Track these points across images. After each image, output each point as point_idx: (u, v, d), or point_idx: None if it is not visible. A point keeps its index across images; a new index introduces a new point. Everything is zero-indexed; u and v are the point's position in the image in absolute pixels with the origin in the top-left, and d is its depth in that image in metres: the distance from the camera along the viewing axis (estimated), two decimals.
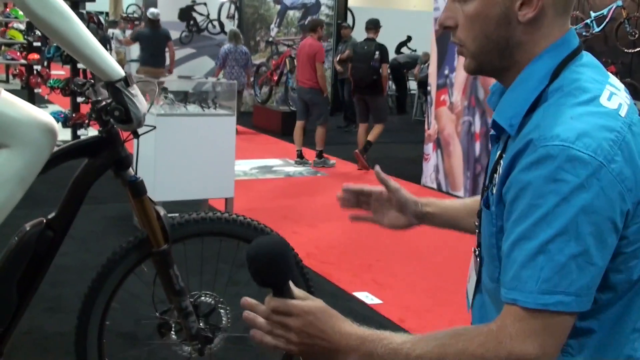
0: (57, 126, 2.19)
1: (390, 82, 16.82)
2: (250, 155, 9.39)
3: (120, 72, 2.13)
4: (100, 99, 2.23)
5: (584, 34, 12.61)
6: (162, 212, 2.41)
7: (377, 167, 1.63)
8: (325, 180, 8.23)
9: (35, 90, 12.71)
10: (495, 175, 1.25)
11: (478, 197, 1.52)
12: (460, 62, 7.54)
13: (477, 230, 1.35)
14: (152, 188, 5.45)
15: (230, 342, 2.69)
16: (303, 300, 1.22)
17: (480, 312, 1.38)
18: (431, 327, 3.99)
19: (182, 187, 5.57)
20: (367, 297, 4.49)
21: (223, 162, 5.74)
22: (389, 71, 15.53)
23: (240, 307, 1.25)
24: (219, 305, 2.58)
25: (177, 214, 2.55)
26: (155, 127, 2.43)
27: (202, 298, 2.55)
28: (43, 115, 2.17)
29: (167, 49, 11.41)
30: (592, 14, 12.50)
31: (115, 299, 2.49)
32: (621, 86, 1.25)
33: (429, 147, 8.07)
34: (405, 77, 15.43)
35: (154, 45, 11.00)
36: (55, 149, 2.26)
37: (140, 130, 2.34)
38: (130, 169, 2.35)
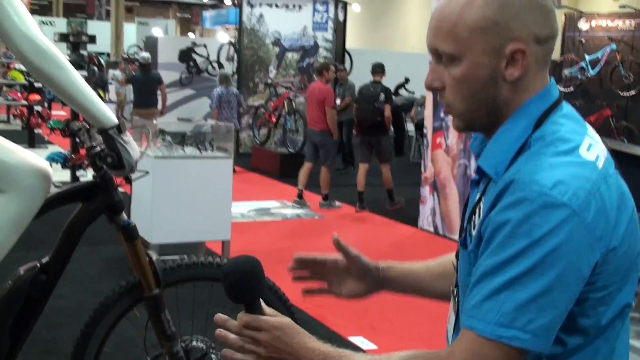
0: (51, 171, 2.22)
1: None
2: (247, 197, 9.42)
3: (113, 119, 2.17)
4: (94, 144, 2.26)
5: (579, 77, 12.79)
6: (154, 256, 2.43)
7: (335, 235, 1.58)
8: (322, 222, 8.25)
9: (36, 131, 12.81)
10: (473, 216, 1.30)
11: (442, 259, 1.61)
12: None
13: (455, 271, 1.39)
14: (149, 230, 5.48)
15: None
16: (272, 316, 1.32)
17: None
18: None
19: (179, 229, 5.58)
20: (362, 342, 4.48)
21: (220, 205, 5.76)
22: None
23: (215, 321, 1.33)
24: (211, 350, 2.58)
25: (170, 258, 2.57)
26: (148, 173, 2.46)
27: (194, 343, 2.55)
28: (37, 160, 2.20)
29: (159, 91, 11.89)
30: (587, 57, 12.69)
31: (108, 344, 2.49)
32: (599, 138, 1.29)
33: (425, 190, 8.10)
34: (403, 119, 15.54)
35: (145, 87, 11.54)
36: (54, 190, 2.29)
37: (133, 176, 2.37)
38: (124, 213, 2.37)
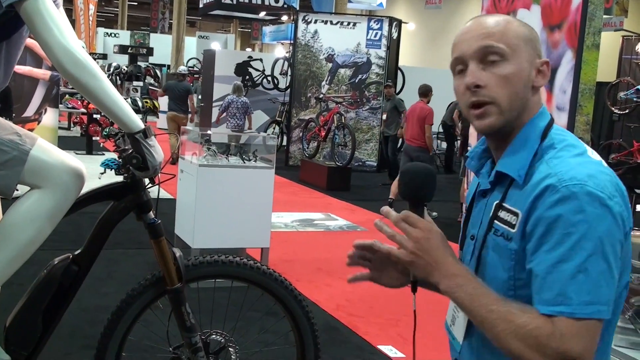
0: (85, 171, 2.42)
1: (439, 142, 16.99)
2: (293, 208, 9.59)
3: (140, 124, 2.35)
4: (127, 147, 2.45)
5: (634, 99, 12.63)
6: (177, 253, 2.60)
7: (379, 221, 1.60)
8: (363, 235, 8.35)
9: (94, 138, 13.24)
10: (495, 221, 1.50)
11: None
12: None
13: (476, 272, 1.53)
14: (191, 235, 5.69)
15: None
16: (430, 221, 1.47)
17: (471, 356, 1.57)
18: None
19: (220, 235, 5.77)
20: (390, 351, 4.57)
21: (260, 213, 5.93)
22: (440, 130, 15.74)
23: (379, 212, 1.51)
24: (229, 344, 2.74)
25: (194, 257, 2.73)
26: (174, 176, 2.63)
27: (213, 336, 2.71)
28: (73, 161, 2.40)
29: (188, 101, 13.36)
30: None
31: (133, 332, 2.67)
32: None
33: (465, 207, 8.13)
34: (455, 137, 15.56)
35: (178, 95, 13.15)
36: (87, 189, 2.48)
37: (161, 179, 2.55)
38: (151, 212, 2.55)
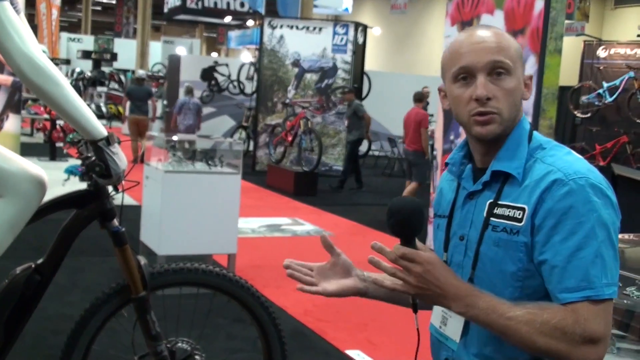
0: (46, 178, 2.38)
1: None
2: (260, 214, 9.56)
3: (103, 131, 2.32)
4: (89, 155, 2.42)
5: (596, 103, 12.82)
6: (142, 261, 2.57)
7: (324, 235, 1.81)
8: (332, 239, 8.35)
9: (57, 145, 13.08)
10: (491, 218, 1.57)
11: None
12: None
13: (472, 269, 1.60)
14: (158, 242, 5.64)
15: None
16: (425, 252, 1.50)
17: (469, 352, 1.62)
18: None
19: (187, 242, 5.72)
20: (358, 356, 4.57)
21: (227, 219, 5.90)
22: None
23: (371, 248, 1.51)
24: (195, 352, 2.71)
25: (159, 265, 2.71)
26: (138, 183, 2.61)
27: (179, 344, 2.69)
28: (34, 168, 2.36)
29: (149, 102, 14.02)
30: (605, 85, 12.73)
31: (97, 342, 2.64)
32: None
33: (432, 211, 8.18)
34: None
35: (139, 98, 13.73)
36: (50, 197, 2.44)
37: (125, 186, 2.53)
38: (115, 220, 2.52)
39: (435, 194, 1.86)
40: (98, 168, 2.33)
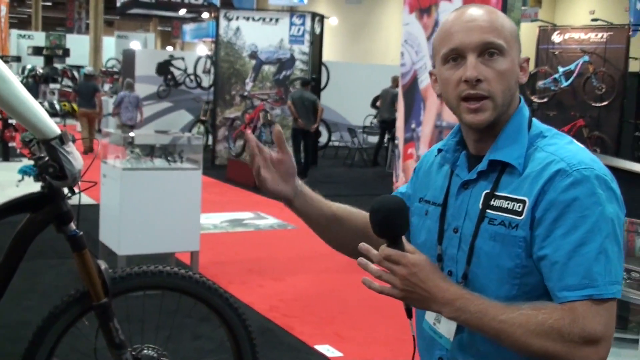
0: None
1: (365, 136, 17.05)
2: (221, 209, 9.42)
3: (56, 130, 2.19)
4: (42, 155, 2.29)
5: (552, 88, 12.92)
6: (103, 266, 2.44)
7: (278, 127, 1.73)
8: (296, 233, 8.26)
9: (10, 145, 12.75)
10: (487, 210, 1.48)
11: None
12: (427, 116, 7.69)
13: (467, 264, 1.51)
14: (117, 242, 5.49)
15: None
16: (412, 253, 1.42)
17: (464, 351, 1.53)
18: None
19: (148, 240, 5.58)
20: (327, 350, 4.50)
21: (189, 216, 5.76)
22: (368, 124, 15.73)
23: (358, 249, 1.44)
24: (162, 358, 2.60)
25: (119, 269, 2.58)
26: (95, 183, 2.48)
27: (145, 351, 2.57)
28: None
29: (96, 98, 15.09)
30: (560, 69, 12.83)
31: (57, 353, 2.50)
32: None
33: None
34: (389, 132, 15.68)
35: (86, 93, 15.02)
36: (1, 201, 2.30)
37: (82, 187, 2.39)
38: (72, 223, 2.39)
39: (413, 176, 1.77)
40: (52, 169, 2.20)
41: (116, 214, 5.51)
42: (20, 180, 8.45)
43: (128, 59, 18.20)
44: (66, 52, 13.18)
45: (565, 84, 12.75)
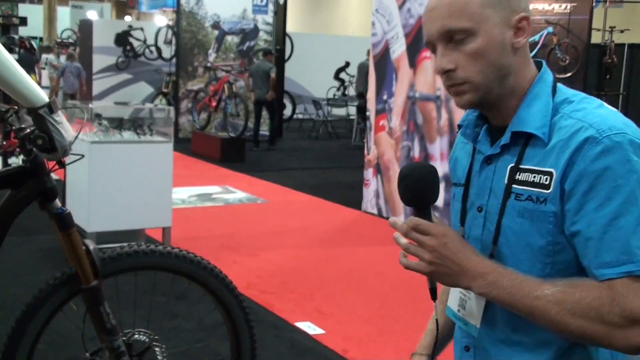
0: None
1: (330, 108, 16.90)
2: (188, 183, 9.22)
3: (44, 98, 2.00)
4: (24, 126, 2.09)
5: None
6: (91, 246, 2.26)
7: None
8: (266, 207, 8.11)
9: None
10: (513, 185, 1.37)
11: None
12: (399, 87, 7.56)
13: (493, 244, 1.40)
14: (86, 218, 5.27)
15: None
16: (441, 224, 1.33)
17: (493, 338, 1.43)
18: (376, 357, 3.91)
19: (118, 216, 5.39)
20: (309, 328, 4.38)
21: (160, 191, 5.58)
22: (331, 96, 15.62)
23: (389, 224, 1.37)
24: (154, 343, 2.43)
25: (109, 246, 2.41)
26: (83, 156, 2.29)
27: (136, 336, 2.40)
28: None
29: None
30: None
31: (43, 339, 2.33)
32: None
33: (369, 173, 8.04)
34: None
35: (26, 65, 14.33)
36: None
37: (68, 160, 2.20)
38: (57, 200, 2.20)
39: (450, 162, 1.64)
40: (40, 141, 2.00)
41: (84, 190, 5.29)
42: None
43: (85, 29, 17.71)
44: (23, 21, 12.66)
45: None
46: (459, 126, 1.53)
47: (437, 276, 1.34)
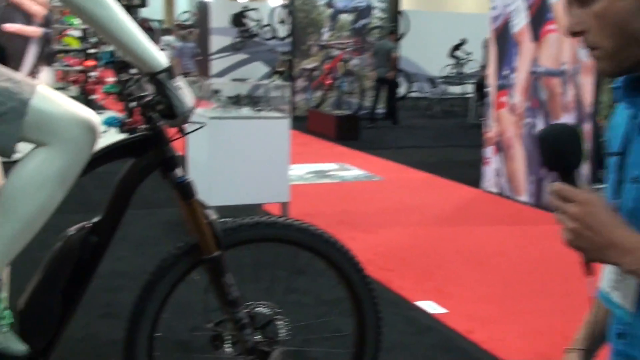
0: (99, 122, 2.02)
1: (445, 86, 16.54)
2: (305, 160, 9.23)
3: (163, 62, 1.94)
4: (143, 94, 2.05)
5: None
6: (213, 216, 2.22)
7: None
8: (382, 184, 8.00)
9: (91, 97, 12.81)
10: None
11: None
12: (521, 62, 7.24)
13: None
14: (207, 193, 5.31)
15: (288, 356, 2.48)
16: (588, 191, 1.19)
17: None
18: (502, 339, 3.73)
19: (237, 191, 5.42)
20: (430, 307, 4.25)
21: (278, 166, 5.57)
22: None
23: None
24: (277, 317, 2.37)
25: (229, 219, 2.36)
26: (204, 124, 2.24)
27: (258, 309, 2.34)
28: (83, 111, 2.00)
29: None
30: None
31: (167, 309, 2.31)
32: None
33: (489, 150, 7.77)
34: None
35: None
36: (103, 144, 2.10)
37: (189, 128, 2.16)
38: (179, 169, 2.16)
39: (607, 131, 1.46)
40: (161, 106, 1.96)
41: (205, 164, 5.35)
42: (104, 132, 8.44)
43: (202, 11, 18.07)
44: (143, 3, 13.13)
45: None
46: (614, 88, 1.35)
47: (579, 248, 1.19)
